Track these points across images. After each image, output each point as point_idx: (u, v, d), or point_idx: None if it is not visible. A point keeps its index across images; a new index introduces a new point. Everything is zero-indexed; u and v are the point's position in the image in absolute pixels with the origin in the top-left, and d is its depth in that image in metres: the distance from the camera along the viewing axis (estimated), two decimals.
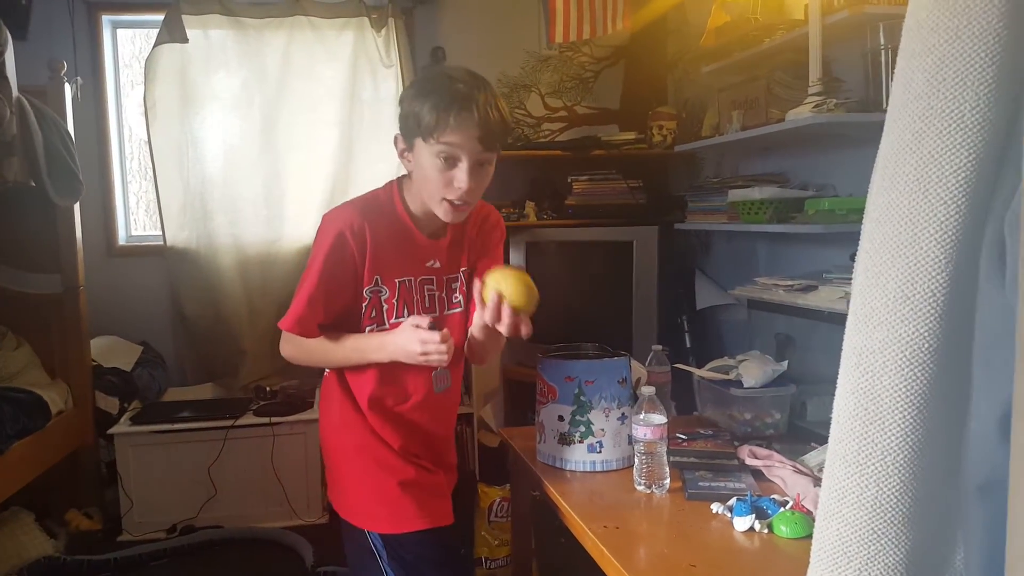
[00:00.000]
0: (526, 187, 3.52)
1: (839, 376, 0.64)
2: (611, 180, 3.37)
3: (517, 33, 3.57)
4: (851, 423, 0.62)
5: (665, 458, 1.52)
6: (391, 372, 1.49)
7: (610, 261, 3.07)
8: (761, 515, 1.34)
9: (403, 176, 1.51)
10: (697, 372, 2.00)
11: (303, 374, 3.29)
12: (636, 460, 1.54)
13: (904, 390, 0.60)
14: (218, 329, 3.36)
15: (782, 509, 1.34)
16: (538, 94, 3.64)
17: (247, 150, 3.34)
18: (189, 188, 3.31)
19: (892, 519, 0.60)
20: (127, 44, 3.51)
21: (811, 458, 1.58)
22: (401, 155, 1.45)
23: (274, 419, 3.01)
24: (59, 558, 2.59)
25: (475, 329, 1.49)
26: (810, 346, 2.27)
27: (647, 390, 1.53)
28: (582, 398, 1.64)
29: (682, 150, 2.97)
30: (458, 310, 1.57)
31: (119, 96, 3.47)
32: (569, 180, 3.36)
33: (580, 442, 1.64)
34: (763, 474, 1.57)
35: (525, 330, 1.38)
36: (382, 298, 1.47)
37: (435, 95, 1.34)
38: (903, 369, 0.59)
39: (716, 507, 1.41)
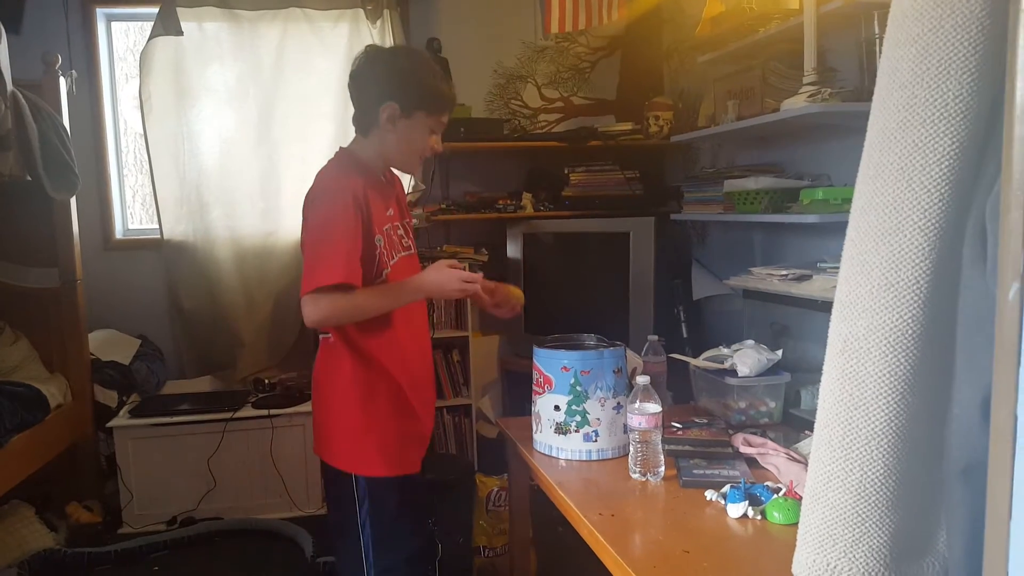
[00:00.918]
0: (523, 178, 3.53)
1: (825, 363, 0.65)
2: (608, 171, 3.38)
3: (513, 24, 3.56)
4: (836, 409, 0.62)
5: (660, 447, 1.54)
6: (407, 311, 1.68)
7: (607, 252, 3.08)
8: (755, 502, 1.36)
9: (351, 145, 1.70)
10: (692, 361, 2.02)
11: (301, 366, 3.30)
12: (631, 449, 1.55)
13: (888, 376, 0.60)
14: (216, 322, 3.36)
15: (775, 496, 1.36)
16: (534, 85, 3.64)
17: (243, 143, 3.33)
18: (185, 181, 3.31)
19: (876, 502, 0.61)
20: (121, 37, 3.49)
21: (805, 446, 1.60)
22: (388, 120, 1.60)
23: (272, 411, 3.02)
24: (60, 551, 2.60)
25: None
26: (804, 335, 2.28)
27: (642, 379, 1.54)
28: (578, 388, 1.65)
29: (678, 140, 2.97)
30: (413, 251, 1.78)
31: (114, 89, 3.46)
32: (566, 171, 3.36)
33: (576, 431, 1.65)
34: (757, 462, 1.58)
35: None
36: (380, 246, 1.62)
37: (444, 82, 1.66)
38: (887, 356, 0.60)
39: (710, 494, 1.42)
